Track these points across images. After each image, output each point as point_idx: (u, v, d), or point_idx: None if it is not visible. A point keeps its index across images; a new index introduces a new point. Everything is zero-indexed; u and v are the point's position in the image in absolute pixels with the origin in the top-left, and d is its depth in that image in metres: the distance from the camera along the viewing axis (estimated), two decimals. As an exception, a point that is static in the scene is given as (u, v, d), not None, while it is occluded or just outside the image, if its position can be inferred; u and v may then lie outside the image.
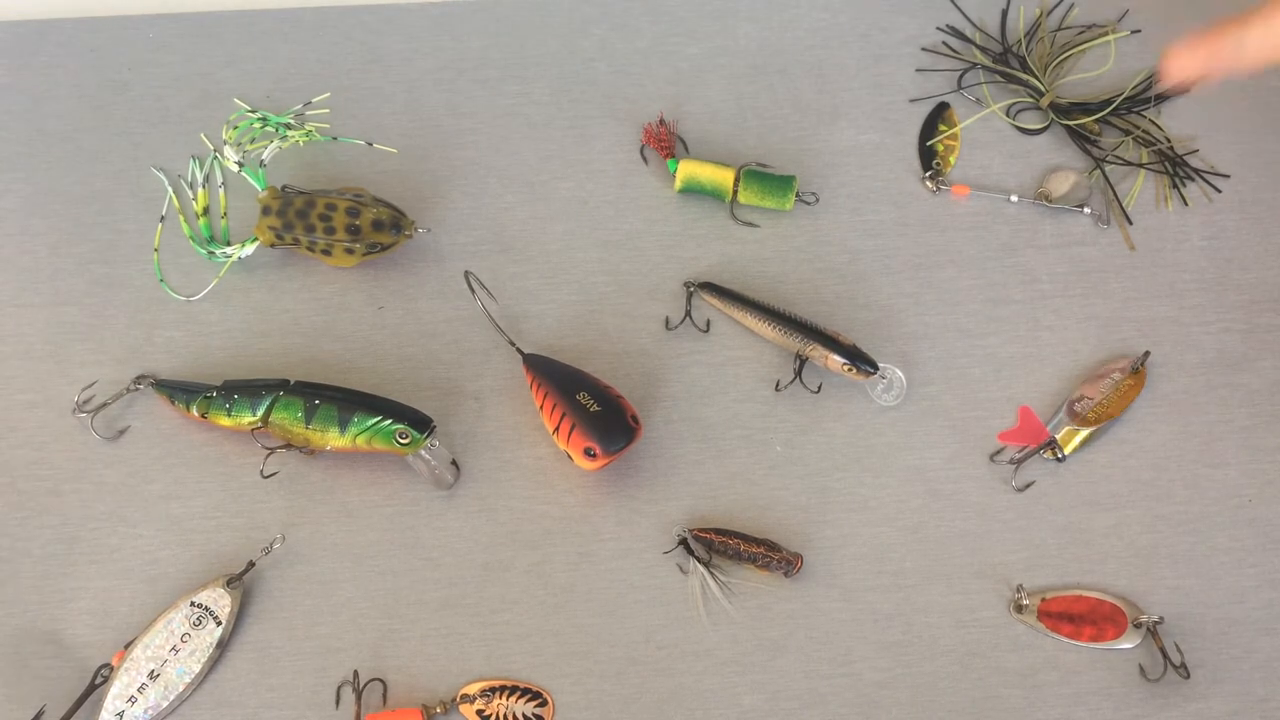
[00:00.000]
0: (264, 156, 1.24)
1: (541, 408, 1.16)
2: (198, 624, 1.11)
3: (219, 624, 1.11)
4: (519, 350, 1.21)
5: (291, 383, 1.16)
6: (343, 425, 1.13)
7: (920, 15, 1.43)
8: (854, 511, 1.18)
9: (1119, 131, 1.36)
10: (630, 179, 1.33)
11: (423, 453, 1.14)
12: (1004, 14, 1.43)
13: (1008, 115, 1.37)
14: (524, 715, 1.09)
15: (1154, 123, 1.36)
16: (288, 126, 1.26)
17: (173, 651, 1.10)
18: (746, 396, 1.23)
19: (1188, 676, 1.10)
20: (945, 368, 1.24)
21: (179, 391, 1.18)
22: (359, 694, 1.09)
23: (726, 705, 1.10)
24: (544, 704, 1.10)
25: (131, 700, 1.08)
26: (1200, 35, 1.03)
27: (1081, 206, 1.31)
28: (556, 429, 1.14)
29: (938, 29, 1.42)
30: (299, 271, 1.28)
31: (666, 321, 1.26)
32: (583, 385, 1.15)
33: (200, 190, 1.27)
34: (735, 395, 1.23)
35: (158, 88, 1.38)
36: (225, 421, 1.16)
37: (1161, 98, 1.37)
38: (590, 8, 1.43)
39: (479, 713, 1.09)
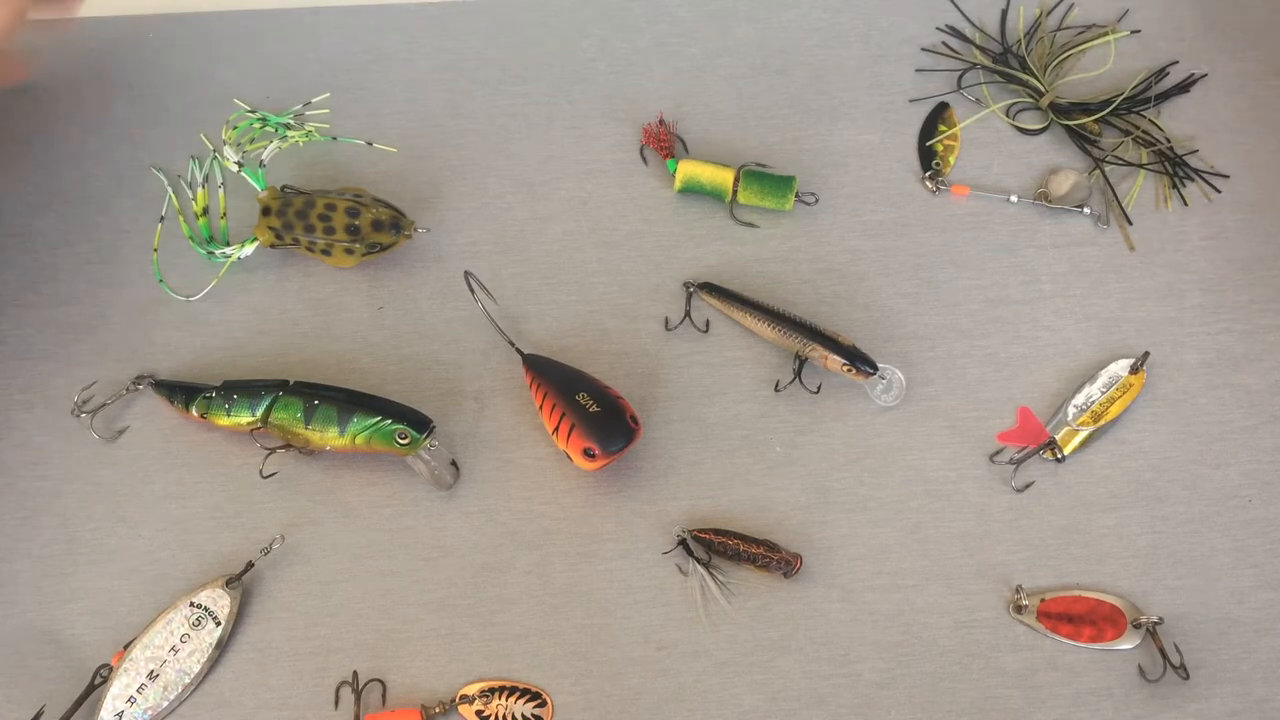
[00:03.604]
0: (263, 157, 1.25)
1: (541, 408, 1.16)
2: (197, 624, 1.11)
3: (218, 624, 1.11)
4: (519, 350, 1.21)
5: (291, 383, 1.16)
6: (342, 425, 1.13)
7: (920, 15, 1.43)
8: (853, 512, 1.18)
9: (1119, 131, 1.36)
10: (630, 179, 1.33)
11: (422, 453, 1.14)
12: (1004, 14, 1.43)
13: (1007, 115, 1.37)
14: (523, 716, 1.09)
15: (1154, 123, 1.36)
16: (287, 127, 1.26)
17: (172, 652, 1.10)
18: (746, 397, 1.23)
19: (1187, 677, 1.10)
20: (945, 368, 1.24)
21: (178, 391, 1.18)
22: (358, 694, 1.09)
23: (726, 706, 1.10)
24: (543, 704, 1.10)
25: (131, 700, 1.08)
26: None
27: (1081, 207, 1.31)
28: (556, 429, 1.14)
29: (937, 29, 1.42)
30: (299, 272, 1.28)
31: (666, 322, 1.26)
32: (582, 385, 1.15)
33: (200, 190, 1.27)
34: (735, 396, 1.23)
35: (158, 88, 1.38)
36: (224, 422, 1.16)
37: (1162, 97, 1.37)
38: (590, 8, 1.43)
39: (478, 713, 1.09)
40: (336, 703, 1.10)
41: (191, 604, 1.11)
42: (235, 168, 1.25)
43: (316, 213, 1.22)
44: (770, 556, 1.13)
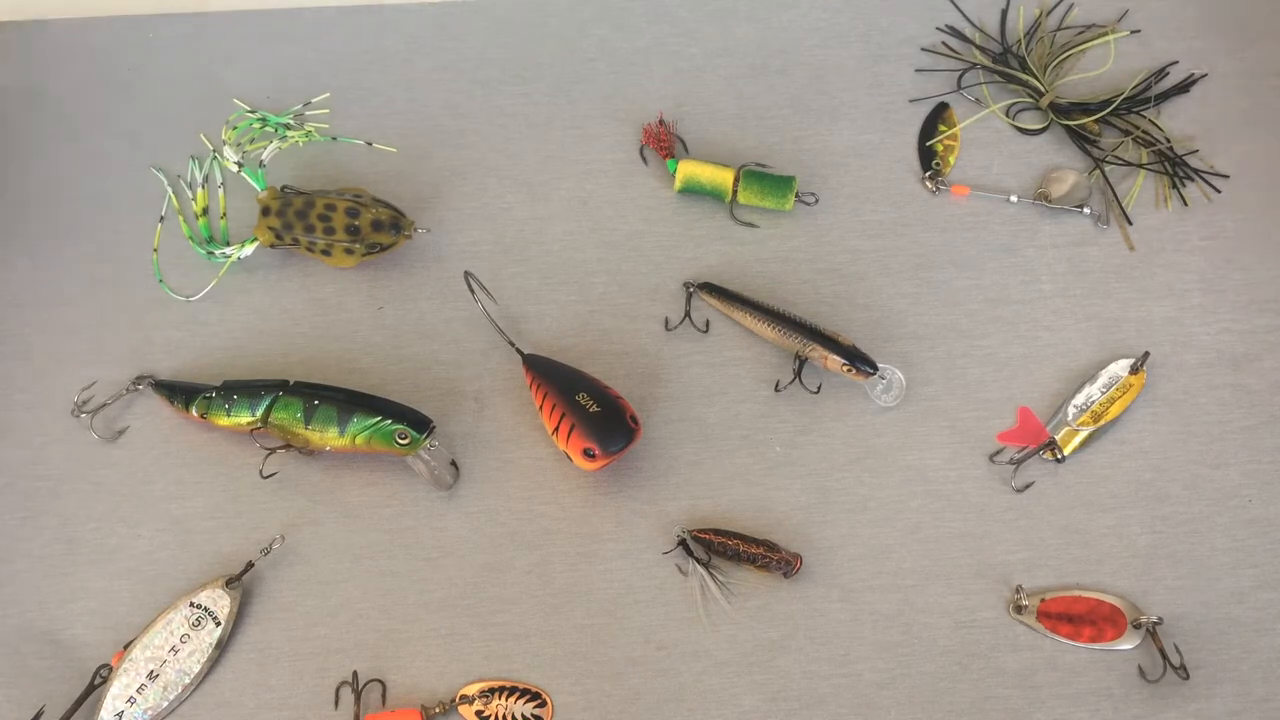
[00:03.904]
0: (263, 157, 1.24)
1: (541, 408, 1.16)
2: (197, 624, 1.11)
3: (218, 624, 1.11)
4: (519, 350, 1.21)
5: (291, 383, 1.16)
6: (342, 426, 1.13)
7: (920, 15, 1.43)
8: (853, 512, 1.18)
9: (1119, 132, 1.36)
10: (630, 179, 1.33)
11: (422, 453, 1.14)
12: (1004, 14, 1.43)
13: (1007, 115, 1.37)
14: (523, 716, 1.09)
15: (1154, 123, 1.36)
16: (287, 127, 1.26)
17: (172, 652, 1.10)
18: (746, 397, 1.23)
19: (1187, 677, 1.10)
20: (945, 368, 1.24)
21: (178, 392, 1.18)
22: (358, 694, 1.09)
23: (725, 705, 1.10)
24: (543, 704, 1.10)
25: (131, 700, 1.08)
26: None
27: (1081, 207, 1.31)
28: (556, 429, 1.14)
29: (937, 29, 1.42)
30: (299, 272, 1.28)
31: (666, 322, 1.26)
32: (582, 385, 1.15)
33: (200, 190, 1.27)
34: (735, 396, 1.23)
35: (158, 88, 1.38)
36: (224, 422, 1.16)
37: (1162, 97, 1.37)
38: (590, 8, 1.43)
39: (478, 713, 1.09)
40: (336, 703, 1.10)
41: (191, 604, 1.11)
42: (235, 168, 1.25)
43: (316, 213, 1.22)
44: (770, 556, 1.13)
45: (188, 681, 1.09)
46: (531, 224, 1.31)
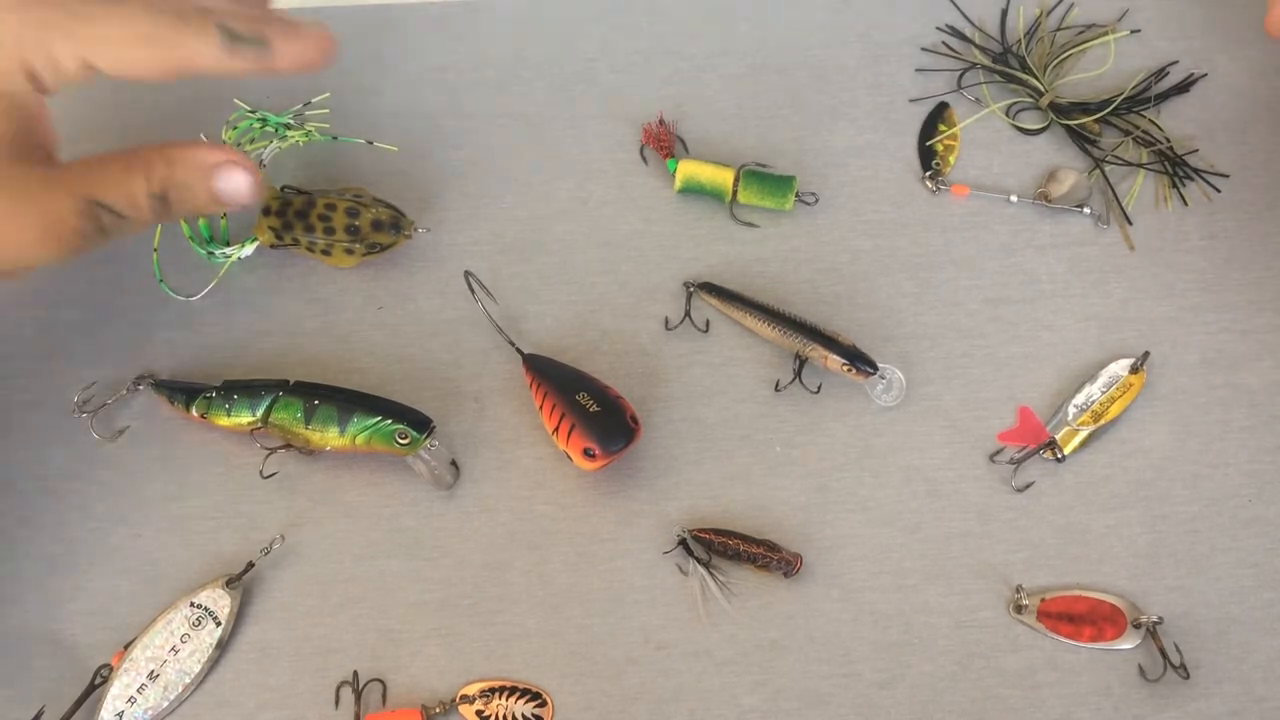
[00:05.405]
0: (264, 157, 1.24)
1: (541, 408, 1.16)
2: (197, 624, 1.11)
3: (218, 624, 1.11)
4: (519, 350, 1.21)
5: (291, 383, 1.16)
6: (342, 425, 1.13)
7: (920, 15, 1.43)
8: (853, 512, 1.18)
9: (1119, 131, 1.36)
10: (630, 179, 1.33)
11: (422, 453, 1.14)
12: (1004, 14, 1.43)
13: (1007, 115, 1.37)
14: (523, 716, 1.09)
15: (1154, 123, 1.36)
16: (287, 127, 1.26)
17: (172, 652, 1.10)
18: (746, 397, 1.23)
19: (1187, 677, 1.10)
20: (945, 368, 1.24)
21: (178, 392, 1.18)
22: (358, 694, 1.09)
23: (726, 706, 1.10)
24: (543, 704, 1.10)
25: (131, 701, 1.08)
26: None
27: (1081, 206, 1.31)
28: (556, 429, 1.14)
29: (937, 29, 1.42)
30: (299, 271, 1.28)
31: (666, 322, 1.26)
32: (582, 385, 1.15)
33: (200, 190, 1.27)
34: (735, 395, 1.23)
35: (158, 88, 1.38)
36: (225, 422, 1.16)
37: (1162, 97, 1.37)
38: (590, 8, 1.43)
39: (478, 713, 1.09)
40: (337, 703, 1.10)
41: (192, 604, 1.11)
42: (235, 168, 1.24)
43: (316, 213, 1.22)
44: (770, 556, 1.13)
45: (188, 681, 1.09)
46: (531, 224, 1.31)
